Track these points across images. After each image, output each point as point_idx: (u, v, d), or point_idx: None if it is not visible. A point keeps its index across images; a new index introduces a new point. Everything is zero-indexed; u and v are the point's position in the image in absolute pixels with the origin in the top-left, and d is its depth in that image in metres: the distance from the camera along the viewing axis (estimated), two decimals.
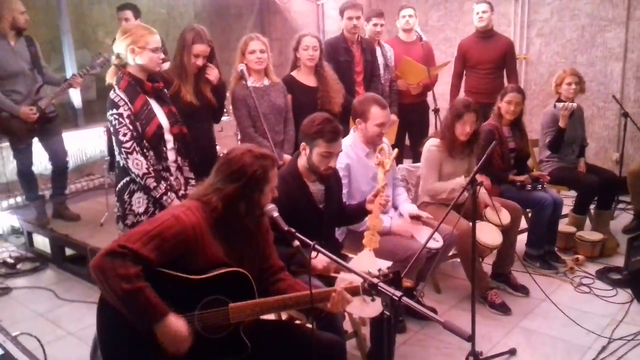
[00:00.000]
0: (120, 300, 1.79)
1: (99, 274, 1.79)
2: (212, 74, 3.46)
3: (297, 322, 2.55)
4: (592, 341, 3.15)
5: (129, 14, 4.72)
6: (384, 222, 3.00)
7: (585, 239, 4.24)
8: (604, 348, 3.07)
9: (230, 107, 4.01)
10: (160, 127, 2.90)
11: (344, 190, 3.11)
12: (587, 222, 4.57)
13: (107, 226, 4.30)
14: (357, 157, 3.24)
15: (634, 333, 3.19)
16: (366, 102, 3.24)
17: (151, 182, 2.85)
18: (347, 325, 2.88)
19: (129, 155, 2.81)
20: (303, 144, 2.71)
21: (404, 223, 3.26)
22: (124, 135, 2.81)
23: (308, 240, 1.90)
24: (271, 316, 2.58)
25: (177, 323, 1.86)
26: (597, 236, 4.26)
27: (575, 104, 4.26)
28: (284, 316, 2.72)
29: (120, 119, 2.81)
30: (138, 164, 2.82)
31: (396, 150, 3.20)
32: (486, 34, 5.04)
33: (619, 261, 4.06)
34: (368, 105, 3.20)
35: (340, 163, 3.07)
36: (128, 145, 2.81)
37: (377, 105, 3.20)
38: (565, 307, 3.42)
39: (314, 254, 1.91)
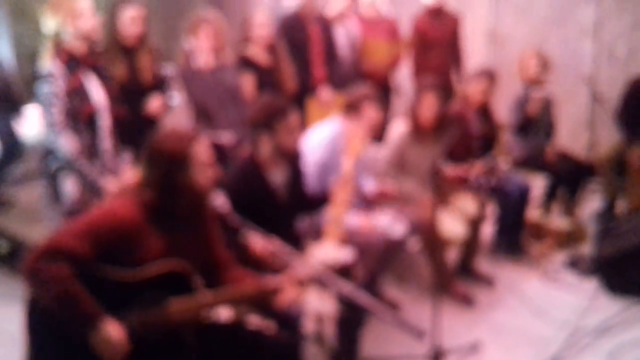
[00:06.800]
0: (54, 304, 1.77)
1: (32, 276, 1.77)
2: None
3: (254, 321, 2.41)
4: (557, 331, 3.10)
5: None
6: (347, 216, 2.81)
7: (552, 226, 4.16)
8: (569, 338, 3.01)
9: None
10: (95, 106, 2.76)
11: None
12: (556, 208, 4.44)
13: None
14: (333, 154, 2.99)
15: (600, 322, 3.13)
16: (362, 97, 3.04)
17: (84, 163, 2.72)
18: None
19: (60, 133, 2.68)
20: (259, 135, 2.53)
21: (360, 217, 3.07)
22: (56, 111, 2.68)
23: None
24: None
25: (110, 329, 1.79)
26: (565, 223, 4.19)
27: (546, 91, 4.16)
28: None
29: (53, 95, 2.69)
30: (70, 142, 2.69)
31: (368, 138, 2.99)
32: (437, 11, 4.78)
33: (587, 249, 3.97)
34: (365, 102, 3.01)
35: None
36: (59, 122, 2.68)
37: (373, 103, 3.01)
38: (531, 297, 3.37)
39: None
